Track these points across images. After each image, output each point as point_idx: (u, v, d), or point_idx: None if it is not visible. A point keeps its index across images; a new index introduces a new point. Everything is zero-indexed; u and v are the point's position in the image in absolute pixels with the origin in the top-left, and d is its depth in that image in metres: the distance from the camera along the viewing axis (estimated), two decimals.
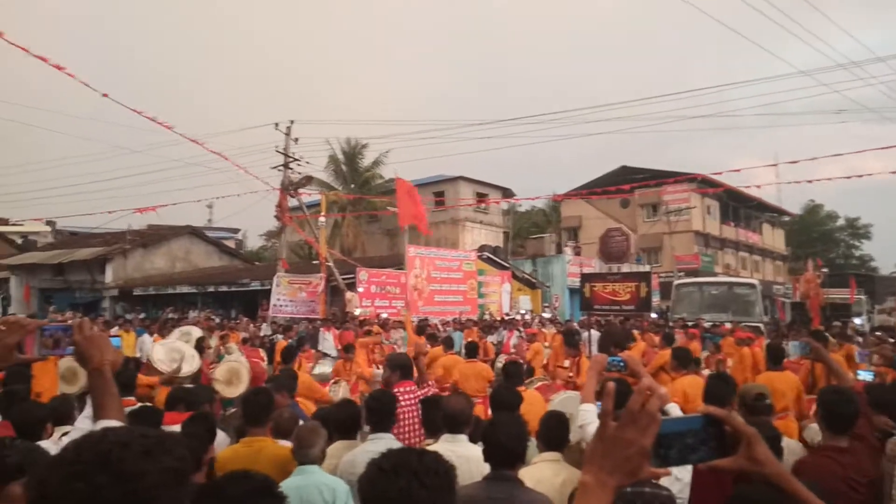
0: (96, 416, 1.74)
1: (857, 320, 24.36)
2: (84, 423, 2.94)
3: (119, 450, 0.88)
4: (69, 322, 1.92)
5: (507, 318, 20.35)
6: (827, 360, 4.18)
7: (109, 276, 27.12)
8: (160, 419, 3.69)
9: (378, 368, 10.34)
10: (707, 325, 15.52)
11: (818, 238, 56.13)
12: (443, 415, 3.53)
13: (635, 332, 11.91)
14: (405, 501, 1.45)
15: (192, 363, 7.41)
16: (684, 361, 6.49)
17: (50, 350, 1.85)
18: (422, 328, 13.18)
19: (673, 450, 1.11)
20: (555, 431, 3.42)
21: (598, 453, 1.08)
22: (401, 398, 4.63)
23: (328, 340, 13.37)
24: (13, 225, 36.52)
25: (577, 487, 1.10)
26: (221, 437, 4.24)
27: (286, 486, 3.06)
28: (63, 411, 4.09)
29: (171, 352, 7.67)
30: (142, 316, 19.89)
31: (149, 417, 3.48)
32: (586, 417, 3.39)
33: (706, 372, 9.08)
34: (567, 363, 9.61)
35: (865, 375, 7.24)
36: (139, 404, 4.60)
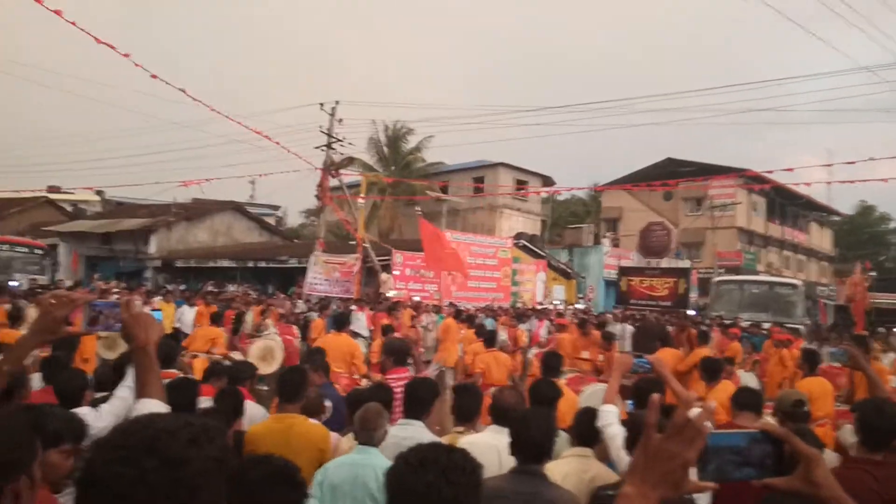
0: (139, 394, 1.78)
1: None
2: (123, 392, 3.03)
3: (166, 437, 0.89)
4: (117, 298, 1.97)
5: (539, 307, 20.25)
6: (865, 369, 4.03)
7: (153, 247, 27.85)
8: (197, 391, 3.78)
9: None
10: (745, 324, 15.20)
11: (868, 240, 54.18)
12: (494, 406, 3.55)
13: (670, 328, 11.71)
14: (431, 497, 1.45)
15: (273, 365, 7.95)
16: (713, 374, 6.11)
17: (96, 326, 1.90)
18: (458, 312, 13.22)
19: (720, 464, 1.09)
20: (588, 427, 3.40)
21: (641, 465, 1.07)
22: (393, 384, 4.68)
23: (360, 320, 13.50)
24: (64, 193, 37.73)
25: (618, 497, 1.08)
26: (259, 411, 4.35)
27: (344, 461, 3.13)
28: (102, 378, 4.23)
29: (264, 350, 8.33)
30: (182, 287, 20.36)
31: (186, 390, 3.57)
32: (607, 418, 3.38)
33: (741, 372, 8.90)
34: (586, 354, 9.52)
35: None
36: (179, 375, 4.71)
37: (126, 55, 12.37)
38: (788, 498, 1.19)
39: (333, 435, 3.82)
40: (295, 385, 3.80)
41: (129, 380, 3.02)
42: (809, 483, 1.15)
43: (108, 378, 4.01)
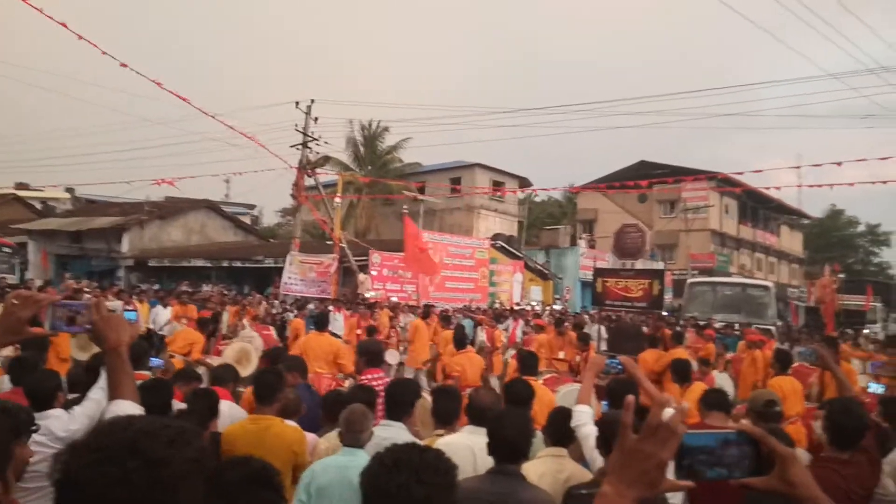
0: (112, 396, 1.76)
1: (871, 328, 24.12)
2: (96, 394, 2.98)
3: (146, 438, 0.90)
4: (86, 300, 1.92)
5: (516, 307, 20.34)
6: (833, 369, 4.13)
7: (126, 245, 27.40)
8: (171, 393, 3.73)
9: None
10: (718, 325, 15.42)
11: (837, 243, 55.42)
12: (470, 406, 3.56)
13: (644, 329, 11.84)
14: (403, 497, 1.46)
15: (248, 368, 7.86)
16: (683, 376, 6.26)
17: (66, 326, 1.86)
18: (427, 311, 13.20)
19: (695, 463, 1.11)
20: (562, 427, 3.42)
21: (618, 465, 1.08)
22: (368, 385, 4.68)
23: (338, 321, 13.44)
24: (33, 190, 36.98)
25: (596, 496, 1.10)
26: (240, 413, 4.31)
27: (331, 463, 3.12)
28: (75, 380, 4.15)
29: (239, 353, 8.20)
30: (156, 287, 20.06)
31: (160, 391, 3.52)
32: (580, 418, 3.41)
33: (715, 373, 9.03)
34: (562, 354, 9.59)
35: (877, 388, 7.18)
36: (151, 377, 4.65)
37: (93, 44, 12.10)
38: (768, 498, 1.21)
39: (310, 436, 3.80)
40: (269, 386, 3.77)
41: (102, 381, 2.98)
42: (786, 482, 1.17)
43: (81, 379, 3.93)
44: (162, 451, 0.89)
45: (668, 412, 1.07)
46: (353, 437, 3.17)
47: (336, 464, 3.10)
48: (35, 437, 2.79)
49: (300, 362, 5.57)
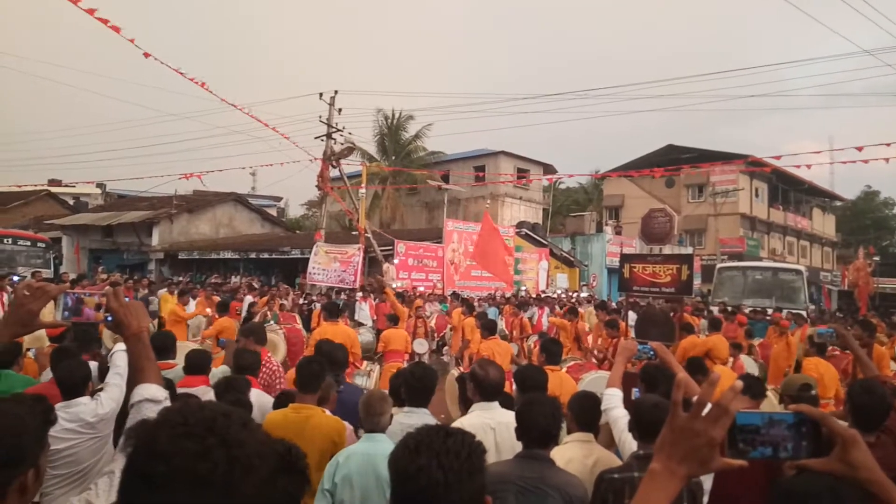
0: (136, 381, 1.77)
1: None
2: (114, 379, 3.03)
3: (222, 419, 0.94)
4: (103, 290, 1.92)
5: (542, 295, 20.25)
6: (854, 348, 4.01)
7: (156, 239, 27.88)
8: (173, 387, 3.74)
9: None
10: (748, 310, 15.17)
11: (872, 225, 54.03)
12: (477, 384, 3.51)
13: (672, 314, 11.68)
14: (422, 480, 1.45)
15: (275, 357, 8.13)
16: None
17: (72, 316, 1.88)
18: (457, 297, 13.18)
19: (752, 442, 1.10)
20: (588, 412, 3.39)
21: (668, 442, 1.09)
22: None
23: (364, 310, 13.52)
24: (66, 186, 37.73)
25: (646, 473, 1.10)
26: (269, 400, 4.35)
27: (355, 450, 3.12)
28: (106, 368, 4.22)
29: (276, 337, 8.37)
30: (186, 280, 20.39)
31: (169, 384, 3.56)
32: (611, 402, 3.40)
33: (743, 357, 8.91)
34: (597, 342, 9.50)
35: None
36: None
37: (116, 29, 12.14)
38: (802, 484, 1.17)
39: (349, 427, 3.79)
40: (312, 375, 3.75)
41: (117, 367, 3.03)
42: (847, 464, 1.14)
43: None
44: (238, 431, 0.93)
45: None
46: (372, 422, 3.17)
47: (360, 451, 3.10)
48: (65, 424, 2.85)
49: (256, 328, 5.66)
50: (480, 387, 3.49)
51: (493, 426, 3.31)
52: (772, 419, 1.11)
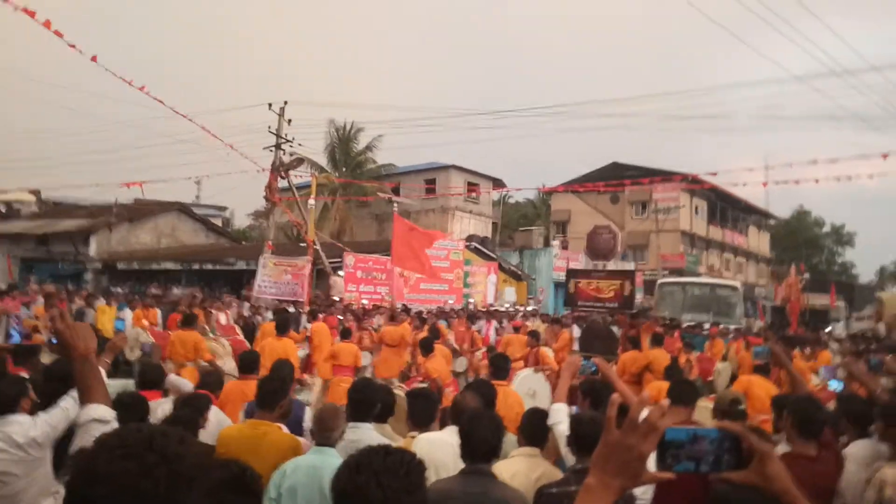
0: (84, 401, 1.76)
1: (835, 326, 24.73)
2: (67, 402, 2.96)
3: (160, 436, 0.98)
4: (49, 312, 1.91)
5: (490, 308, 20.42)
6: (787, 366, 4.27)
7: (93, 248, 26.87)
8: (146, 407, 3.67)
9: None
10: (685, 325, 15.68)
11: (803, 243, 56.55)
12: (455, 409, 3.62)
13: (614, 328, 11.99)
14: (361, 499, 1.48)
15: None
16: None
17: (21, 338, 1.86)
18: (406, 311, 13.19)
19: (677, 457, 1.17)
20: (536, 427, 3.47)
21: (602, 457, 1.15)
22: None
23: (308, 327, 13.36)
24: None
25: (581, 487, 1.16)
26: (224, 417, 4.32)
27: (302, 462, 3.12)
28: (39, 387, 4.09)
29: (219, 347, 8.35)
30: (125, 291, 19.73)
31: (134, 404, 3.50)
32: (557, 417, 3.47)
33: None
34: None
35: (836, 385, 7.39)
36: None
37: (59, 34, 11.76)
38: (737, 492, 1.27)
39: (306, 444, 3.76)
40: (272, 392, 3.70)
41: (75, 392, 2.95)
42: (763, 476, 1.24)
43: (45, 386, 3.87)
44: (175, 447, 0.97)
45: (647, 409, 1.13)
46: (324, 436, 3.18)
47: (307, 463, 3.10)
48: None
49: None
50: (456, 413, 3.57)
51: (455, 445, 3.31)
52: (696, 435, 1.19)
